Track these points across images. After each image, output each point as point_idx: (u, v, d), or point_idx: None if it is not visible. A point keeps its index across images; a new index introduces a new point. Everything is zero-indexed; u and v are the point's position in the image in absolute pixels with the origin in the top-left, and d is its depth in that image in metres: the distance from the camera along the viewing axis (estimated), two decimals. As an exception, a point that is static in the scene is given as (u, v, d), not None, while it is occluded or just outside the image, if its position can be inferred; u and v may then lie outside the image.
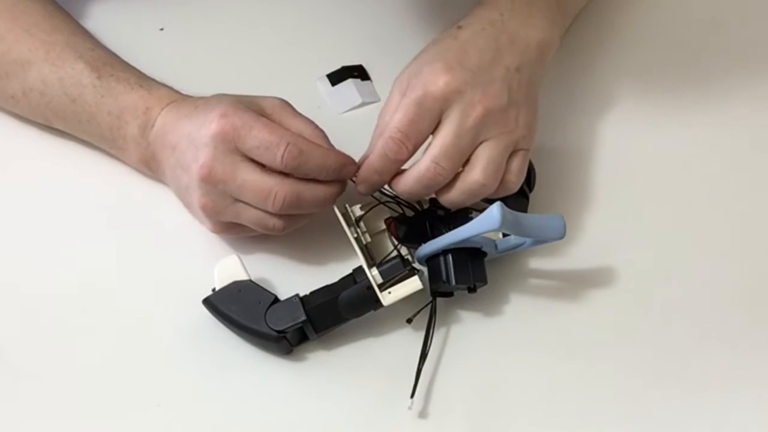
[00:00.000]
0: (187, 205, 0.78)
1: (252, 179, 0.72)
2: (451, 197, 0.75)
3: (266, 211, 0.73)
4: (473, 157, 0.74)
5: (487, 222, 0.70)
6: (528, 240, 0.75)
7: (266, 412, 0.73)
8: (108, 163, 0.82)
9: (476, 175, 0.74)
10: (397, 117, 0.74)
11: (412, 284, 0.73)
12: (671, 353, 0.77)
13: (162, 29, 0.92)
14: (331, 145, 0.75)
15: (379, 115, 0.76)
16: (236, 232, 0.77)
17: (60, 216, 0.81)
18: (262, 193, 0.72)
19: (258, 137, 0.71)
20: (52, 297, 0.77)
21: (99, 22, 0.89)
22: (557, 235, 0.74)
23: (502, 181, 0.75)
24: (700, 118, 0.90)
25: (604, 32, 0.95)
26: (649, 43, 0.95)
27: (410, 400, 0.72)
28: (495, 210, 0.69)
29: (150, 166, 0.79)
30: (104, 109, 0.78)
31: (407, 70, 0.76)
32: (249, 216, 0.74)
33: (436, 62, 0.75)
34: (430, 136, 0.74)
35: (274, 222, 0.74)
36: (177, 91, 0.79)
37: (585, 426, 0.74)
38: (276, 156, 0.71)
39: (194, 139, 0.73)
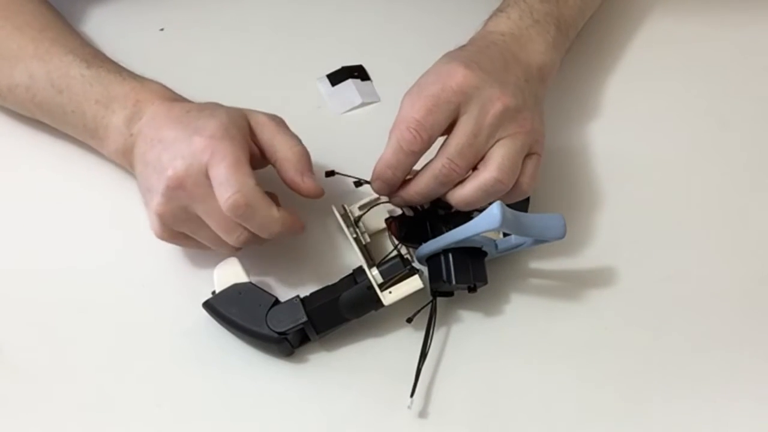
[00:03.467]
0: (145, 203, 0.75)
1: (220, 210, 0.70)
2: (465, 194, 0.73)
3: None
4: (488, 156, 0.73)
5: (488, 221, 0.70)
6: (528, 239, 0.75)
7: (267, 413, 0.73)
8: (107, 166, 0.82)
9: (492, 171, 0.72)
10: (414, 108, 0.73)
11: (413, 283, 0.72)
12: (671, 353, 0.77)
13: (162, 29, 0.92)
14: (311, 169, 0.74)
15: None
16: (182, 242, 0.76)
17: (59, 217, 0.81)
18: (225, 226, 0.71)
19: (221, 170, 0.69)
20: (52, 297, 0.77)
21: (99, 22, 0.89)
22: (557, 235, 0.74)
23: (517, 183, 0.74)
24: (699, 118, 0.90)
25: (605, 33, 0.95)
26: (650, 44, 0.95)
27: (410, 399, 0.72)
28: (495, 209, 0.69)
29: (126, 157, 0.77)
30: (92, 97, 0.77)
31: (418, 81, 0.75)
32: (206, 235, 0.73)
33: (453, 61, 0.75)
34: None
35: (230, 248, 0.74)
36: (169, 89, 0.78)
37: (584, 425, 0.73)
38: (221, 198, 0.69)
39: (177, 148, 0.71)
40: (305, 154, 0.74)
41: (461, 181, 0.74)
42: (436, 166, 0.73)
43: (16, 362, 0.74)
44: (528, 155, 0.75)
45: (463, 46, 0.79)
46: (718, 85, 0.92)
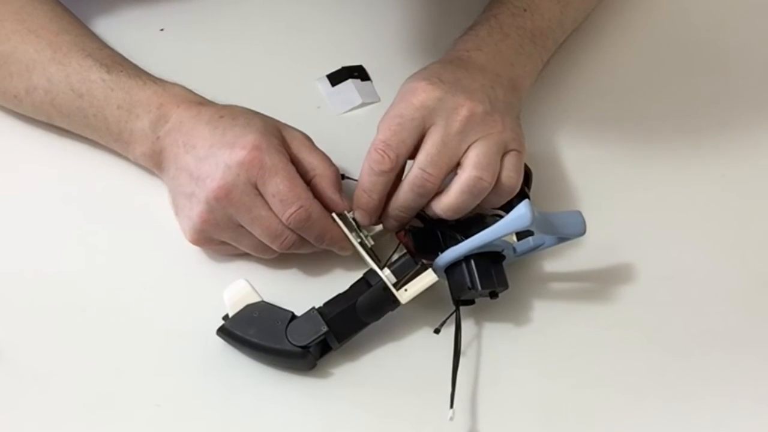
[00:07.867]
0: (178, 208, 0.77)
1: (267, 216, 0.73)
2: (449, 200, 0.74)
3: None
4: (463, 159, 0.74)
5: (518, 221, 0.69)
6: (547, 240, 0.74)
7: (271, 417, 0.73)
8: (108, 168, 0.82)
9: (469, 170, 0.73)
10: (381, 129, 0.74)
11: (428, 278, 0.72)
12: (671, 353, 0.77)
13: (162, 30, 0.91)
14: (341, 185, 0.76)
15: None
16: (215, 247, 0.77)
17: (59, 218, 0.80)
18: (273, 232, 0.73)
19: (278, 186, 0.72)
20: (52, 298, 0.76)
21: (99, 22, 0.89)
22: (579, 232, 0.74)
23: (500, 180, 0.74)
24: (699, 118, 0.90)
25: (603, 32, 0.95)
26: (650, 43, 0.96)
27: (450, 410, 0.70)
28: (524, 208, 0.68)
29: (154, 160, 0.78)
30: (114, 102, 0.77)
31: (388, 107, 0.76)
32: (248, 242, 0.75)
33: (415, 80, 0.76)
34: None
35: (272, 252, 0.76)
36: (190, 90, 0.78)
37: (588, 426, 0.74)
38: (285, 212, 0.72)
39: (217, 155, 0.73)
40: (336, 175, 0.76)
41: (444, 190, 0.74)
42: (410, 177, 0.74)
43: (17, 363, 0.73)
44: (506, 152, 0.75)
45: (428, 65, 0.79)
46: (715, 86, 0.93)
